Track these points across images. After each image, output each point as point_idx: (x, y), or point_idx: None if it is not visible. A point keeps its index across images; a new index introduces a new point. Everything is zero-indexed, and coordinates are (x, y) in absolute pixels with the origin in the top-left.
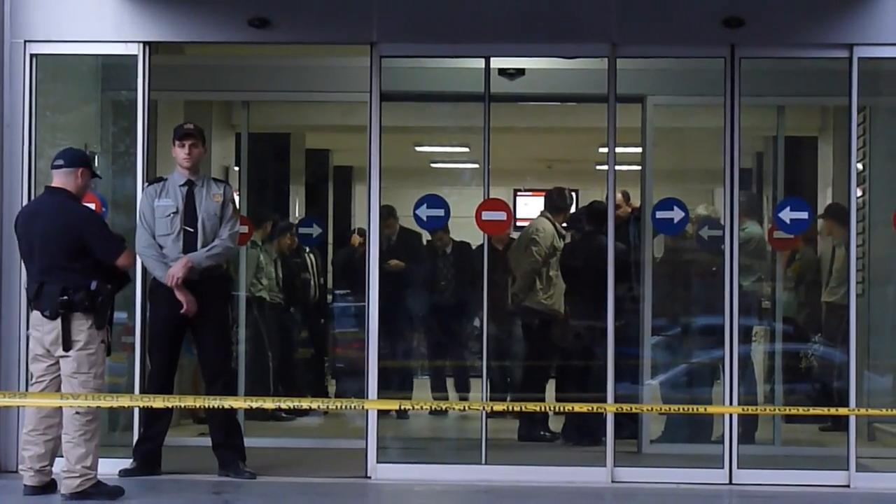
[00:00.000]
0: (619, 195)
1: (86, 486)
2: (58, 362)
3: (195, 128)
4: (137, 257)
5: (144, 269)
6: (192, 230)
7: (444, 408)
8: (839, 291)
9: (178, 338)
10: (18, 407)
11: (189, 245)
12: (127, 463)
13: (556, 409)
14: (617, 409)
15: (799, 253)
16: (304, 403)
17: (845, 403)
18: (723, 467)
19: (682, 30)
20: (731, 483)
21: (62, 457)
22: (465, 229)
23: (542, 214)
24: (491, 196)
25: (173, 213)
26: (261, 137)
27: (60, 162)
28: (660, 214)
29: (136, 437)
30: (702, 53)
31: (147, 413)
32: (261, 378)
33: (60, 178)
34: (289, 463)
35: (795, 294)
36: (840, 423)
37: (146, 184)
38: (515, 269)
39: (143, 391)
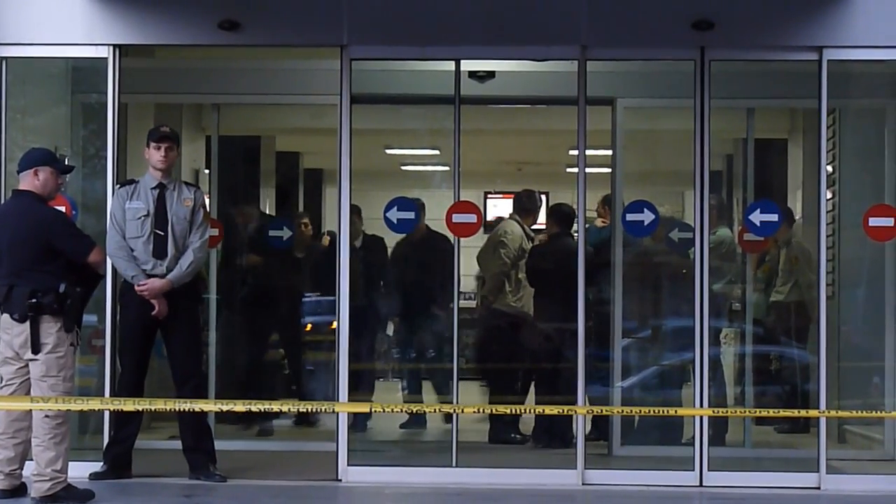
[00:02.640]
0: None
1: (56, 490)
2: (27, 365)
3: (171, 131)
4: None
5: (115, 272)
6: (162, 233)
7: (414, 411)
8: (784, 290)
9: (148, 340)
10: None
11: (159, 248)
12: (97, 466)
13: (527, 411)
14: (587, 412)
15: (769, 255)
16: (275, 406)
17: (811, 404)
18: (693, 469)
19: (651, 32)
20: (701, 485)
21: (32, 460)
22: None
23: (510, 217)
24: (461, 198)
25: (144, 215)
26: (231, 140)
27: (18, 168)
28: (630, 217)
29: (106, 441)
30: (672, 56)
31: (117, 416)
32: (231, 381)
33: (23, 182)
34: (260, 466)
35: (765, 296)
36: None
37: (117, 186)
38: (484, 271)
39: (113, 394)
